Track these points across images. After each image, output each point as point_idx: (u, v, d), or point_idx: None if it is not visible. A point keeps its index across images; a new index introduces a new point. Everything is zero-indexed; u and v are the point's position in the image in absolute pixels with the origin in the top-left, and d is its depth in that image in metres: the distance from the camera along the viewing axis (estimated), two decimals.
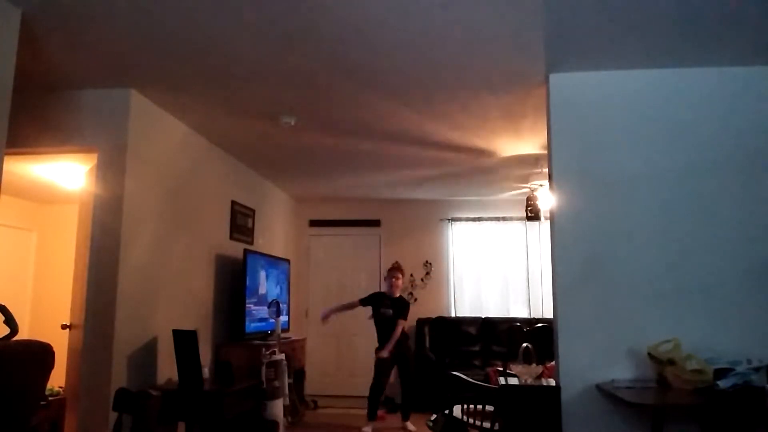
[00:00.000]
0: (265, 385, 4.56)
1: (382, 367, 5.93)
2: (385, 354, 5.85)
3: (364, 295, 6.26)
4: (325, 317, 6.11)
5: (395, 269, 6.26)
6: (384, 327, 6.02)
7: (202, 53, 3.33)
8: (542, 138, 4.71)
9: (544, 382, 3.54)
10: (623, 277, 3.41)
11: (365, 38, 3.12)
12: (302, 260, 8.02)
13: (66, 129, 3.92)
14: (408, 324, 6.17)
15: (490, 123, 4.53)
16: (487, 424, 3.78)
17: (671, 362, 3.08)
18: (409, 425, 5.88)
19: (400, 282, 6.21)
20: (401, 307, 6.09)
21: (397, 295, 6.16)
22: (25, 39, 3.00)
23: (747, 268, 3.32)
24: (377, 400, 5.93)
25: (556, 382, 3.40)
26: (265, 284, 5.92)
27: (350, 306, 6.25)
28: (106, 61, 3.47)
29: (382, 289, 6.37)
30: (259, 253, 5.86)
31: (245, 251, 5.47)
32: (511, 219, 7.76)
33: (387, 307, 6.04)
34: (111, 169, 3.85)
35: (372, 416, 5.88)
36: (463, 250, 7.85)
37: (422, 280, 7.76)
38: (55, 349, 2.73)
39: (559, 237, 3.52)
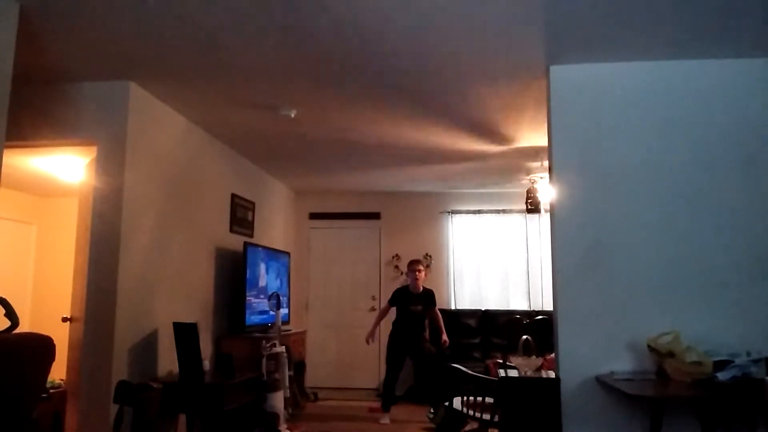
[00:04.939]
0: (265, 378, 4.57)
1: (394, 360, 5.92)
2: (446, 339, 6.11)
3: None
4: (371, 337, 6.10)
5: (417, 261, 6.15)
6: (413, 322, 5.99)
7: (201, 46, 3.32)
8: (542, 130, 4.70)
9: (543, 374, 3.55)
10: (623, 270, 3.41)
11: (365, 31, 3.11)
12: (302, 253, 8.02)
13: (65, 122, 3.91)
14: None
15: (491, 115, 4.52)
16: (486, 416, 3.79)
17: (671, 354, 3.09)
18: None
19: (422, 275, 6.09)
20: (429, 299, 6.09)
21: (421, 288, 6.08)
22: (24, 32, 2.99)
23: (747, 260, 3.32)
24: (391, 392, 5.90)
25: (555, 374, 3.40)
26: (266, 277, 5.92)
27: (384, 314, 6.19)
28: (106, 54, 3.46)
29: (405, 283, 6.24)
30: (259, 246, 5.87)
31: (245, 244, 5.47)
32: (511, 211, 7.75)
33: (415, 304, 6.00)
34: (110, 161, 3.85)
35: (386, 407, 5.86)
36: (463, 242, 7.85)
37: None
38: (55, 341, 2.74)
39: (559, 229, 3.52)
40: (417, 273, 6.02)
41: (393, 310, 6.11)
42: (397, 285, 6.72)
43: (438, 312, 6.22)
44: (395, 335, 5.99)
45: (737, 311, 3.29)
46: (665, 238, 3.40)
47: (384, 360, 6.13)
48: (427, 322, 6.15)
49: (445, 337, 6.14)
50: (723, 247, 3.35)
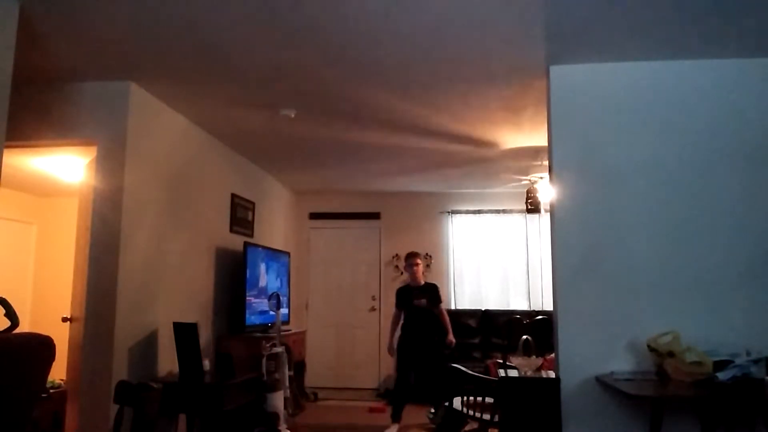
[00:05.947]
0: (265, 378, 4.57)
1: (405, 366, 5.69)
2: (452, 339, 5.77)
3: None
4: (391, 348, 5.90)
5: (412, 255, 5.95)
6: (420, 318, 5.73)
7: (202, 46, 3.32)
8: (542, 130, 4.70)
9: (543, 374, 3.55)
10: (623, 270, 3.41)
11: (365, 31, 3.11)
12: (302, 253, 8.03)
13: (65, 122, 3.91)
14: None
15: (491, 115, 4.52)
16: (486, 416, 3.79)
17: (671, 354, 3.09)
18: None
19: (420, 267, 5.91)
20: (433, 292, 5.85)
21: (422, 282, 5.90)
22: (24, 32, 2.99)
23: (747, 260, 3.32)
24: (402, 400, 5.60)
25: (555, 375, 3.40)
26: (266, 277, 5.92)
27: (396, 319, 5.90)
28: (106, 54, 3.46)
29: (406, 282, 6.05)
30: (259, 246, 5.86)
31: (245, 244, 5.47)
32: (511, 211, 7.76)
33: (419, 297, 5.77)
34: (110, 161, 3.85)
35: (396, 417, 5.55)
36: (463, 242, 7.85)
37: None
38: (55, 341, 2.73)
39: (559, 229, 3.52)
40: (415, 266, 5.85)
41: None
42: (397, 285, 6.69)
43: (444, 310, 5.92)
44: (404, 340, 5.74)
45: (737, 311, 3.28)
46: (665, 238, 3.40)
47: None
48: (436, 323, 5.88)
49: (451, 337, 5.83)
50: (723, 247, 3.35)
